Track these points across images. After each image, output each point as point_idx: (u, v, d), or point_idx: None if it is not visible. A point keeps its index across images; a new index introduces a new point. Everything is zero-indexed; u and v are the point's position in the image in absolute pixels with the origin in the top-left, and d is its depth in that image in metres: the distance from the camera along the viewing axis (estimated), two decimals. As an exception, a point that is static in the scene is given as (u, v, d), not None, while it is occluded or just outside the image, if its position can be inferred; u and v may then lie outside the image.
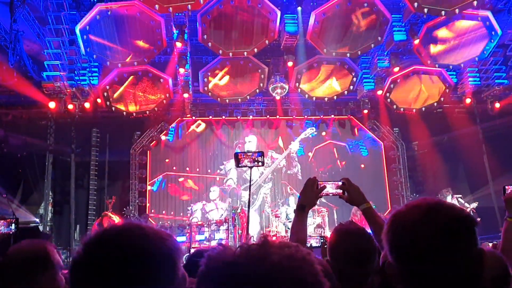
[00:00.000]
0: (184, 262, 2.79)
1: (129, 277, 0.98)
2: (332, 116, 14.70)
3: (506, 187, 2.56)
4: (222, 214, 13.57)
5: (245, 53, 11.31)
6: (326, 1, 10.50)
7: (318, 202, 2.77)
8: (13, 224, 6.40)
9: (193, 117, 14.32)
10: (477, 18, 11.04)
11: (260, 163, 4.08)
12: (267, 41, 11.14)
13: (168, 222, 13.24)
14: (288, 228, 10.90)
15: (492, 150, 13.40)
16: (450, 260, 1.10)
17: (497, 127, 13.57)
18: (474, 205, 11.67)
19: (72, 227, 13.04)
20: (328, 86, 12.97)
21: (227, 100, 13.12)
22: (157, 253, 1.03)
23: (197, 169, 14.40)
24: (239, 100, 13.12)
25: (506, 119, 13.40)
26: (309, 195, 2.25)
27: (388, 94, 12.87)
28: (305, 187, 2.27)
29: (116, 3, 10.32)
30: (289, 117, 14.63)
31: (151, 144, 14.25)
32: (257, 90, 12.90)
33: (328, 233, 10.98)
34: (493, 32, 11.19)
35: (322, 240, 7.39)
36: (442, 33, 11.48)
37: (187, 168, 14.38)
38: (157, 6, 9.66)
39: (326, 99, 13.21)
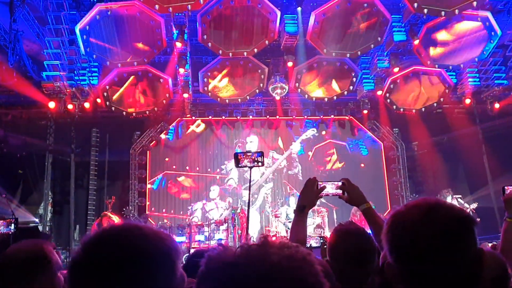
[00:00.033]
0: (184, 262, 2.79)
1: (128, 277, 0.98)
2: (332, 116, 14.70)
3: (506, 187, 2.56)
4: (222, 213, 13.58)
5: (245, 53, 11.31)
6: (326, 2, 10.49)
7: (318, 203, 2.77)
8: (12, 224, 6.41)
9: (193, 117, 14.31)
10: (477, 18, 11.04)
11: (260, 163, 4.06)
12: (267, 41, 11.14)
13: (168, 221, 13.23)
14: (288, 228, 10.89)
15: (492, 150, 13.40)
16: (449, 260, 1.10)
17: (497, 128, 13.56)
18: (474, 205, 11.67)
19: (72, 227, 13.03)
20: (328, 87, 12.97)
21: (227, 100, 13.11)
22: (156, 253, 1.03)
23: (197, 168, 14.41)
24: (239, 100, 13.12)
25: (506, 120, 13.41)
26: (309, 195, 2.26)
27: (388, 95, 12.87)
28: (305, 188, 2.27)
29: (116, 3, 10.32)
30: (289, 118, 14.63)
31: (150, 144, 14.25)
32: (257, 90, 12.90)
33: (327, 233, 10.98)
34: (492, 33, 11.19)
35: (321, 241, 7.38)
36: (442, 35, 11.49)
37: (187, 167, 14.39)
38: (157, 6, 9.65)
39: (326, 99, 13.20)
